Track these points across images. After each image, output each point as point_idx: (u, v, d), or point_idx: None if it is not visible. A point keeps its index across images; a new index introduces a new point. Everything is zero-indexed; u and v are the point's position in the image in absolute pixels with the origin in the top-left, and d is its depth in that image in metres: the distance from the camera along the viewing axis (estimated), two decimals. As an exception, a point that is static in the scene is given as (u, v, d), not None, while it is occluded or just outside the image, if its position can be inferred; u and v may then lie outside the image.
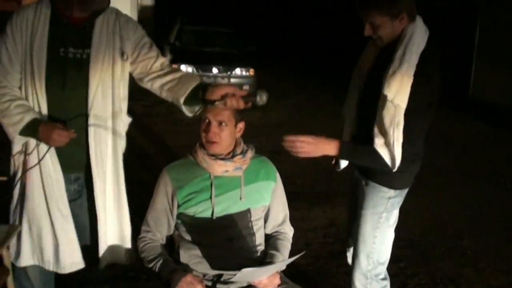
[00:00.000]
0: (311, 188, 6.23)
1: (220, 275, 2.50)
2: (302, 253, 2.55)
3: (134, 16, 15.40)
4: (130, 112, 2.91)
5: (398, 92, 2.47)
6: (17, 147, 2.64)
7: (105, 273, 2.94)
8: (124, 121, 2.82)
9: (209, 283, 2.49)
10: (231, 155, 2.57)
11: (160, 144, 7.93)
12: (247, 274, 2.33)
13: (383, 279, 2.89)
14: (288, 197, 5.68)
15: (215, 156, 2.54)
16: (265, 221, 2.69)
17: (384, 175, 2.66)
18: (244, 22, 15.68)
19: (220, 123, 2.50)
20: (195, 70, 11.12)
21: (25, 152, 2.62)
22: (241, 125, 2.60)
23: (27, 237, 2.69)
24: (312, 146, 2.52)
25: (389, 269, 4.26)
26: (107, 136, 2.70)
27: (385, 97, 2.48)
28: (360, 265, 2.81)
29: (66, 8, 2.57)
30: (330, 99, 12.17)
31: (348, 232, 3.13)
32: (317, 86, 13.72)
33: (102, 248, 2.77)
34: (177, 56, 11.49)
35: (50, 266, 2.72)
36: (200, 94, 2.60)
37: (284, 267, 2.61)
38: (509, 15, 11.78)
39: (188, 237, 2.56)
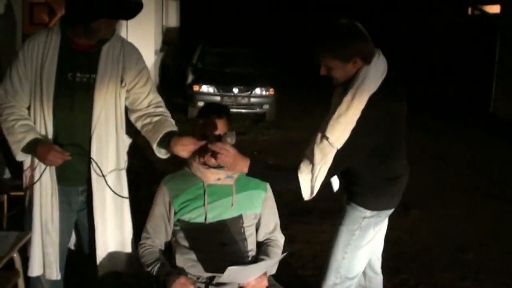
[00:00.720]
0: (323, 204, 6.38)
1: (213, 277, 2.73)
2: (285, 254, 2.76)
3: (159, 38, 15.82)
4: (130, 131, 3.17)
5: (339, 137, 2.58)
6: (27, 162, 2.91)
7: (107, 281, 3.13)
8: (125, 140, 3.07)
9: (202, 285, 2.72)
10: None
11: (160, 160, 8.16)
12: (234, 273, 2.53)
13: None
14: (300, 213, 5.93)
15: (208, 166, 2.78)
16: (257, 229, 2.91)
17: (359, 197, 2.85)
18: (264, 43, 16.04)
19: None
20: (216, 90, 11.46)
21: (31, 167, 2.89)
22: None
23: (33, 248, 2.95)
24: (231, 159, 2.58)
25: (393, 279, 4.48)
26: (108, 153, 2.94)
27: (325, 137, 2.59)
28: (328, 277, 2.95)
29: (74, 36, 2.83)
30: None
31: None
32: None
33: (99, 256, 2.99)
34: (199, 77, 11.86)
35: (34, 271, 2.95)
36: (166, 142, 2.82)
37: (271, 269, 2.81)
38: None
39: (184, 242, 2.79)
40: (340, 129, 2.59)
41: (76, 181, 2.94)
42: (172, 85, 14.30)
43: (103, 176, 2.89)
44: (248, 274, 2.64)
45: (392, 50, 17.93)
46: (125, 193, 3.05)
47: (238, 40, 13.39)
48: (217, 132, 2.70)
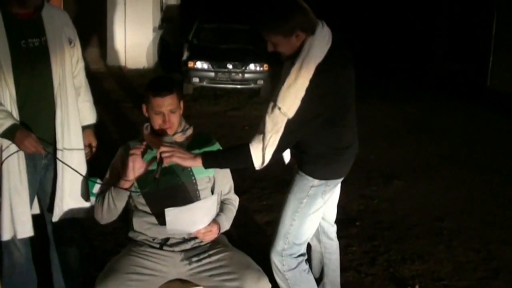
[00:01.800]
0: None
1: (167, 239, 2.82)
2: (214, 197, 2.82)
3: (157, 15, 15.84)
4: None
5: (290, 106, 2.63)
6: None
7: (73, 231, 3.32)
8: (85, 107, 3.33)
9: (157, 245, 2.82)
10: (173, 133, 2.86)
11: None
12: (176, 218, 2.63)
13: (299, 255, 3.07)
14: (282, 183, 6.02)
15: (158, 134, 2.85)
16: (212, 192, 2.98)
17: (308, 166, 2.91)
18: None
19: (172, 111, 2.81)
20: (210, 66, 11.51)
21: (0, 148, 3.02)
22: (182, 104, 2.90)
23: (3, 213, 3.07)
24: (178, 158, 2.70)
25: (363, 246, 4.57)
26: (70, 112, 3.13)
27: (277, 107, 2.65)
28: (276, 243, 3.02)
29: (11, 7, 2.97)
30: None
31: None
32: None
33: (57, 204, 3.15)
34: (194, 53, 11.91)
35: (6, 234, 3.08)
36: None
37: (224, 225, 2.88)
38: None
39: (140, 207, 2.87)
40: (291, 98, 2.64)
41: (41, 143, 3.04)
42: (171, 62, 14.37)
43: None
44: (193, 219, 2.70)
45: (389, 26, 17.86)
46: (82, 147, 3.24)
47: (236, 17, 13.38)
48: (167, 108, 2.79)
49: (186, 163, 2.72)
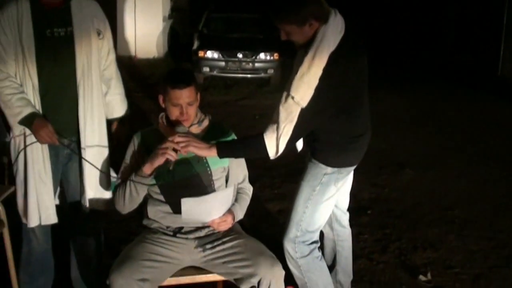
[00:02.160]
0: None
1: (181, 228, 2.86)
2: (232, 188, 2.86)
3: (167, 4, 15.84)
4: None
5: (304, 95, 2.64)
6: (16, 131, 3.08)
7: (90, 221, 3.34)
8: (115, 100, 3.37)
9: (171, 233, 2.85)
10: (190, 125, 2.88)
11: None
12: (192, 208, 2.65)
13: (312, 243, 3.09)
14: (295, 174, 6.01)
15: (173, 125, 2.87)
16: (227, 181, 3.01)
17: (321, 154, 2.93)
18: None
19: (189, 104, 2.82)
20: (220, 56, 11.51)
21: (24, 134, 3.06)
22: (199, 96, 2.91)
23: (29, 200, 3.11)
24: (194, 148, 2.72)
25: (374, 234, 4.59)
26: (94, 104, 3.14)
27: (290, 96, 2.66)
28: (289, 230, 3.05)
29: None
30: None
31: None
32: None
33: (82, 196, 3.20)
34: (204, 42, 11.91)
35: (32, 221, 3.13)
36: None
37: (238, 215, 2.92)
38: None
39: (155, 195, 2.89)
40: (304, 88, 2.64)
41: (63, 132, 3.09)
42: (181, 52, 14.39)
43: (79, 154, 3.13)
44: (208, 209, 2.72)
45: (399, 16, 17.72)
46: (105, 142, 3.24)
47: (246, 6, 13.36)
48: (185, 101, 2.79)
49: (202, 152, 2.74)
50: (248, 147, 2.82)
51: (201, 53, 11.59)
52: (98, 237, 3.45)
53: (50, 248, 3.33)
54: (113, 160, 3.30)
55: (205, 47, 11.67)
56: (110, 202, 3.18)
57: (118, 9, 15.05)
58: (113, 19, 14.97)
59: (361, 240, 4.52)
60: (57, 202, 3.29)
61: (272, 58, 11.58)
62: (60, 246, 3.51)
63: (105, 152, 3.22)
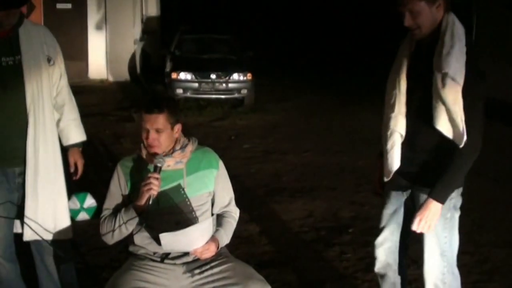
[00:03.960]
0: (295, 184, 6.51)
1: (168, 253, 2.81)
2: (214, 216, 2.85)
3: (138, 27, 15.81)
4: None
5: (456, 69, 2.54)
6: None
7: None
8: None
9: (158, 259, 2.81)
10: (171, 151, 2.85)
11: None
12: (171, 240, 2.63)
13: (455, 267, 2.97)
14: (273, 193, 6.03)
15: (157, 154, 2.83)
16: (213, 204, 2.98)
17: None
18: (242, 28, 16.05)
19: (157, 130, 2.79)
20: (194, 77, 11.50)
21: None
22: (178, 126, 2.87)
23: None
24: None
25: (357, 252, 4.57)
26: (46, 132, 3.10)
27: (444, 74, 2.55)
28: (434, 268, 2.88)
29: None
30: (328, 101, 12.49)
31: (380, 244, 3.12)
32: (314, 89, 13.97)
33: (26, 225, 3.11)
34: (177, 64, 11.89)
35: None
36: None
37: (223, 239, 2.88)
38: (505, 11, 11.95)
39: (141, 220, 2.83)
40: (453, 61, 2.57)
41: (12, 162, 3.07)
42: (154, 74, 14.35)
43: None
44: (189, 241, 2.70)
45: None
46: (60, 170, 3.20)
47: (217, 27, 13.43)
48: (152, 126, 2.77)
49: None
50: (459, 168, 2.71)
51: (174, 75, 11.57)
52: (69, 265, 3.39)
53: (19, 275, 3.29)
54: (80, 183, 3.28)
55: (178, 68, 11.65)
56: (70, 230, 3.19)
57: (89, 33, 14.97)
58: (84, 43, 14.89)
59: (344, 259, 4.50)
60: (20, 230, 3.24)
61: (245, 78, 11.61)
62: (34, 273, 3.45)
63: (60, 180, 3.19)
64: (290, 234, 5.03)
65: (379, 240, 3.07)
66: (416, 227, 2.75)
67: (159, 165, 2.74)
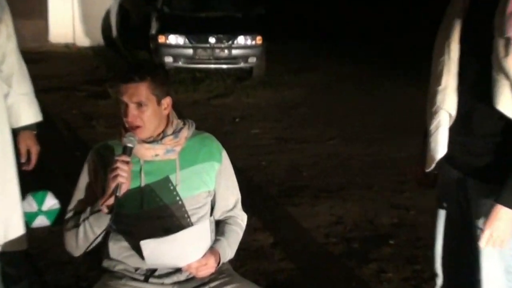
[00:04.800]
0: (318, 181, 6.49)
1: (155, 269, 2.78)
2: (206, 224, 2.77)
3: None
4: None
5: None
6: None
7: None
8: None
9: (142, 278, 2.78)
10: (161, 136, 2.82)
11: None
12: (156, 252, 2.61)
13: None
14: (291, 192, 6.01)
15: (142, 140, 2.80)
16: (213, 207, 2.96)
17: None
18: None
19: (138, 105, 2.75)
20: (187, 41, 11.49)
21: None
22: (167, 100, 2.83)
23: None
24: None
25: (401, 271, 4.58)
26: None
27: (508, 40, 2.51)
28: (496, 286, 2.82)
29: None
30: (361, 73, 12.42)
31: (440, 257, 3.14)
32: (344, 57, 13.95)
33: None
34: (165, 25, 11.91)
35: None
36: None
37: (226, 253, 2.86)
38: None
39: (118, 226, 2.82)
40: None
41: None
42: (135, 37, 14.30)
43: None
44: (179, 251, 2.67)
45: None
46: (10, 160, 3.19)
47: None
48: (131, 99, 2.73)
49: None
50: None
51: (161, 39, 11.55)
52: (22, 286, 3.41)
53: None
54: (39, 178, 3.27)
55: (166, 30, 11.64)
56: (24, 240, 3.19)
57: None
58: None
59: (384, 279, 4.50)
60: None
61: (253, 42, 11.58)
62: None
63: (10, 173, 3.18)
64: (312, 246, 5.02)
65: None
66: (484, 243, 2.69)
67: (129, 145, 2.69)
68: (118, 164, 2.65)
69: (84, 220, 2.75)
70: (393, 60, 13.33)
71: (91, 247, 2.81)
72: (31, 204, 5.09)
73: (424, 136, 3.00)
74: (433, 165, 2.88)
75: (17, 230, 3.20)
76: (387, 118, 9.12)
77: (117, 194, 2.63)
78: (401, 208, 5.79)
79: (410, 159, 7.12)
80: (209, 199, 2.93)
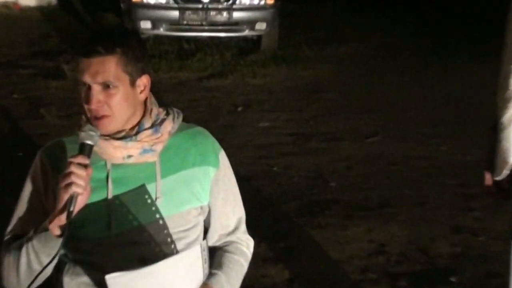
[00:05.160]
0: (352, 194, 6.49)
1: (125, 312, 2.77)
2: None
3: None
4: None
5: None
6: None
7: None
8: None
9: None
10: (136, 131, 2.79)
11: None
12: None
13: None
14: (314, 209, 6.03)
15: (109, 136, 2.77)
16: (207, 228, 2.95)
17: None
18: None
19: (105, 86, 2.71)
20: (172, 0, 11.51)
21: None
22: (143, 81, 2.79)
23: None
24: None
25: None
26: None
27: None
28: None
29: None
30: (410, 47, 12.45)
31: None
32: (387, 25, 14.09)
33: None
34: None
35: None
36: None
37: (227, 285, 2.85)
38: None
39: (76, 255, 2.82)
40: None
41: None
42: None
43: None
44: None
45: None
46: None
47: None
48: (95, 78, 2.70)
49: None
50: None
51: (136, -4, 11.64)
52: None
53: None
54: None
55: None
56: None
57: None
58: None
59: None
60: None
61: (262, 2, 11.64)
62: None
63: None
64: (344, 284, 5.03)
65: None
66: None
67: (87, 142, 2.65)
68: (72, 169, 2.59)
69: (27, 246, 2.72)
70: (451, 32, 13.34)
71: (37, 283, 2.77)
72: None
73: (492, 131, 3.05)
74: (506, 171, 2.95)
75: None
76: (444, 107, 9.20)
77: (71, 209, 2.59)
78: (466, 233, 5.81)
79: (478, 163, 7.15)
80: (202, 217, 2.92)
